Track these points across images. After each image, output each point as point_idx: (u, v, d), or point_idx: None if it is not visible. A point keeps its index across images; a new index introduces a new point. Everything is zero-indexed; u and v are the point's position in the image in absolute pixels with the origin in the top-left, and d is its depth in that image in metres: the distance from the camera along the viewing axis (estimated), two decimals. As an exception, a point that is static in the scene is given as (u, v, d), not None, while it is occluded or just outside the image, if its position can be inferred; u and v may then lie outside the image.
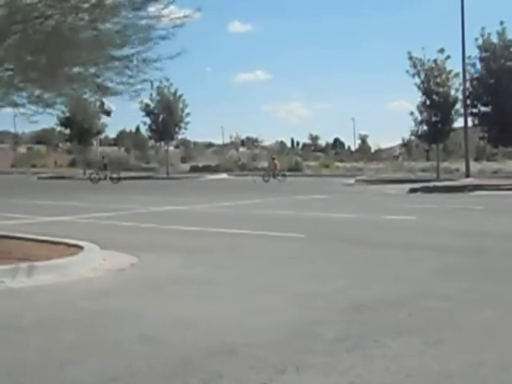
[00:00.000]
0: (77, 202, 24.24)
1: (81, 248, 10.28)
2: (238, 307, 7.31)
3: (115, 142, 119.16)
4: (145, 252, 10.97)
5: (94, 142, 66.49)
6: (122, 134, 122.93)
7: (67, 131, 61.16)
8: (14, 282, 8.43)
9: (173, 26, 10.36)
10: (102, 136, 72.63)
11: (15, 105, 11.33)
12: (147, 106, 53.85)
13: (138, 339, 5.89)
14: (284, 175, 47.33)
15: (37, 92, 11.13)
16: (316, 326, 6.36)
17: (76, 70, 10.92)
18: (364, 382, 4.77)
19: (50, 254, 9.80)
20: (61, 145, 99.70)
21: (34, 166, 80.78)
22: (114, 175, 45.12)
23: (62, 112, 46.83)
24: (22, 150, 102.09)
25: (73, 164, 79.39)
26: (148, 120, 55.31)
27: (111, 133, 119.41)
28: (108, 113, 50.85)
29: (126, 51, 10.57)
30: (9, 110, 12.08)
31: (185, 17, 10.41)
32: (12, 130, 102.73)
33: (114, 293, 8.14)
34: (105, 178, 44.75)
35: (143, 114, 54.75)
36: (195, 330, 6.26)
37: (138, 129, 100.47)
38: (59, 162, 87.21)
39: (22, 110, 11.37)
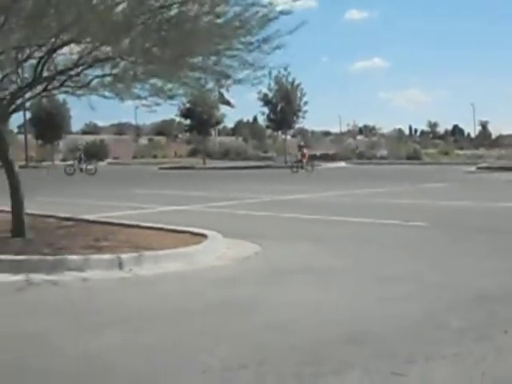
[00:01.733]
0: (196, 192, 24.59)
1: (205, 236, 10.45)
2: (363, 295, 7.29)
3: (233, 132, 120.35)
4: (267, 240, 11.04)
5: (213, 132, 67.43)
6: (239, 124, 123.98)
7: (187, 122, 62.11)
8: (142, 270, 8.66)
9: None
10: (221, 126, 73.36)
11: (137, 97, 11.57)
12: (265, 95, 54.21)
13: (264, 327, 5.95)
14: (312, 165, 43.86)
15: (159, 83, 11.33)
16: (443, 315, 6.28)
17: (197, 59, 11.03)
18: (496, 374, 4.66)
19: (175, 242, 10.02)
20: (180, 135, 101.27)
21: (155, 156, 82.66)
22: (90, 167, 44.57)
23: (183, 103, 47.76)
24: (143, 141, 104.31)
25: (192, 154, 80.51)
26: (266, 110, 55.69)
27: (229, 123, 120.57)
28: (230, 104, 51.55)
29: (248, 38, 10.58)
30: (131, 102, 12.33)
31: None
32: (133, 121, 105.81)
33: (240, 281, 8.24)
34: (80, 170, 44.36)
35: (261, 103, 55.19)
36: (321, 318, 6.28)
37: (255, 118, 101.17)
38: (179, 152, 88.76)
39: (144, 102, 11.61)
